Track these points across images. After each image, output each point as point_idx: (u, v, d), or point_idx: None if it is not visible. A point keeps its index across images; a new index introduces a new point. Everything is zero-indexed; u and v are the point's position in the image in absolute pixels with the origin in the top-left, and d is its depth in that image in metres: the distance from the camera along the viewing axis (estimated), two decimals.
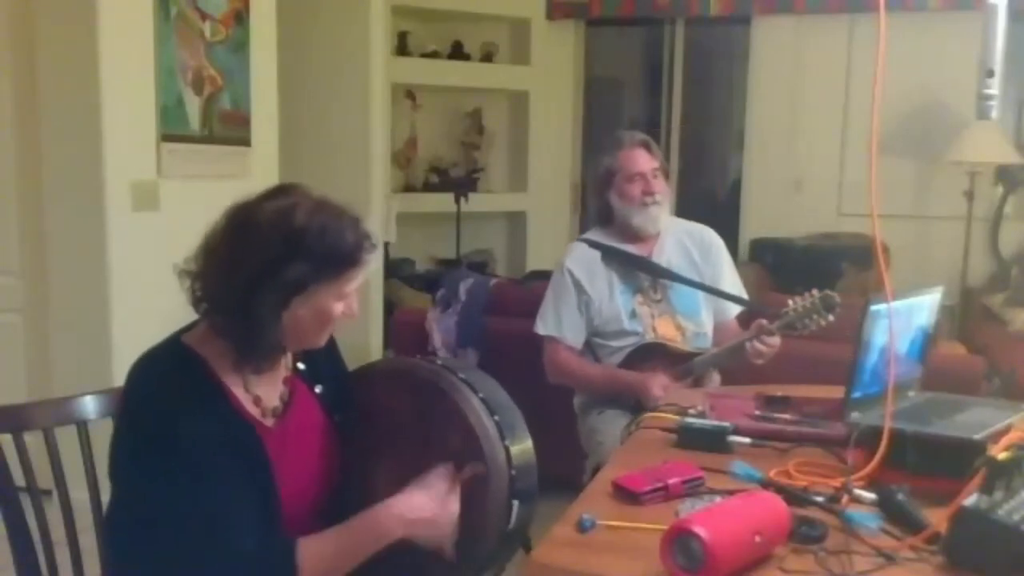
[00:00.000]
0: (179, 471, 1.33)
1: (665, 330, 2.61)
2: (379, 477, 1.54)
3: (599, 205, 2.70)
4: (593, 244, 2.68)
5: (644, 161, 2.62)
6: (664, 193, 2.64)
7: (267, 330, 1.40)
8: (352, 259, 1.42)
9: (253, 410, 1.46)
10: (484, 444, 1.46)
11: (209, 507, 1.34)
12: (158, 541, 1.35)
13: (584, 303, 2.63)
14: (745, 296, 2.71)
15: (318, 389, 1.59)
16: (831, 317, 2.31)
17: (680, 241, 2.69)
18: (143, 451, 1.36)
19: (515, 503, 1.46)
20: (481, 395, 1.50)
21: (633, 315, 2.61)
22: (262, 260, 1.37)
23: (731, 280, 2.70)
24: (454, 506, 1.44)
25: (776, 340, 2.40)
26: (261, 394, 1.48)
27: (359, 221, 1.44)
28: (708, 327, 2.66)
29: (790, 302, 2.38)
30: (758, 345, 2.39)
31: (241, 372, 1.45)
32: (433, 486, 1.44)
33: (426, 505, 1.42)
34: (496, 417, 1.49)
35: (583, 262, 2.66)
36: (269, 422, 1.48)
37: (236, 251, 1.38)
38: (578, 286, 2.63)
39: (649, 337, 2.58)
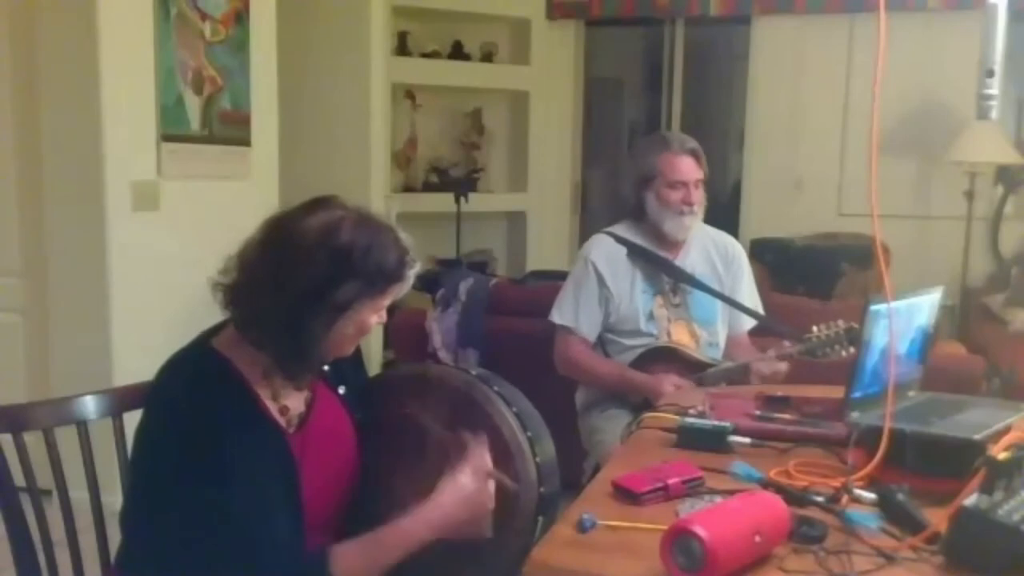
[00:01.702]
0: (214, 476, 1.33)
1: (680, 335, 2.61)
2: (401, 482, 1.54)
3: (634, 201, 2.67)
4: (620, 239, 2.67)
5: (690, 170, 2.59)
6: (701, 204, 2.63)
7: (315, 348, 1.41)
8: (396, 276, 1.44)
9: (280, 418, 1.47)
10: (518, 461, 1.46)
11: (244, 513, 1.34)
12: (187, 545, 1.35)
13: (604, 297, 2.62)
14: (761, 311, 2.72)
15: (342, 390, 1.60)
16: (852, 350, 2.29)
17: (705, 249, 2.69)
18: (177, 454, 1.36)
19: (540, 519, 1.47)
20: (515, 409, 1.50)
21: (650, 317, 2.60)
22: (311, 280, 1.37)
23: (749, 293, 2.72)
24: (489, 501, 1.43)
25: (782, 366, 2.42)
26: (288, 403, 1.49)
27: (398, 234, 1.45)
28: (722, 338, 2.67)
29: (814, 328, 2.39)
30: (764, 369, 2.43)
31: (270, 380, 1.46)
32: (466, 484, 1.42)
33: (456, 509, 1.41)
34: (529, 433, 1.49)
35: (608, 256, 2.64)
36: (293, 428, 1.48)
37: (282, 268, 1.38)
38: (600, 280, 2.62)
39: (663, 340, 2.58)
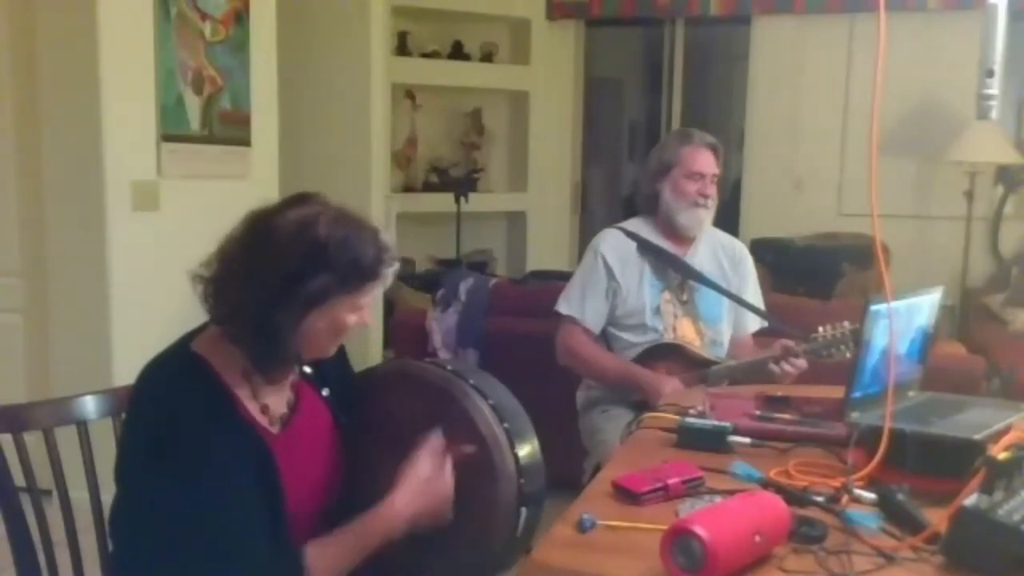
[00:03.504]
0: (189, 480, 1.33)
1: (685, 332, 2.62)
2: (384, 480, 1.54)
3: (648, 193, 2.69)
4: (630, 234, 2.68)
5: (708, 164, 2.62)
6: (714, 200, 2.64)
7: (284, 341, 1.41)
8: (372, 272, 1.43)
9: (260, 418, 1.46)
10: (494, 453, 1.47)
11: (219, 517, 1.33)
12: (165, 549, 1.35)
13: (612, 290, 2.62)
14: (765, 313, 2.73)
15: (325, 392, 1.59)
16: None
17: (714, 249, 2.71)
18: (153, 458, 1.35)
19: (523, 510, 1.47)
20: (491, 402, 1.51)
21: (657, 311, 2.61)
22: (283, 271, 1.36)
23: (754, 296, 2.73)
24: (448, 484, 1.47)
25: (802, 363, 2.42)
26: (269, 402, 1.48)
27: (379, 233, 1.45)
28: (726, 337, 2.68)
29: (820, 329, 2.40)
30: (787, 367, 2.42)
31: (250, 380, 1.45)
32: (423, 471, 1.47)
33: (422, 497, 1.45)
34: (506, 424, 1.49)
35: (618, 249, 2.65)
36: (276, 429, 1.48)
37: (256, 260, 1.38)
38: (609, 272, 2.62)
39: (668, 336, 2.59)
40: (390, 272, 1.45)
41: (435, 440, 1.49)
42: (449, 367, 1.59)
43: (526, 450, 1.49)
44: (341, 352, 1.59)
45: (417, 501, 1.45)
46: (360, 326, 1.47)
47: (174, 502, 1.33)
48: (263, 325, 1.38)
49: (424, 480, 1.46)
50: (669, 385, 2.44)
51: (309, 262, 1.37)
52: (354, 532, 1.43)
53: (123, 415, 1.48)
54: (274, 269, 1.37)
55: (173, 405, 1.37)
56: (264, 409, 1.47)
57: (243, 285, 1.38)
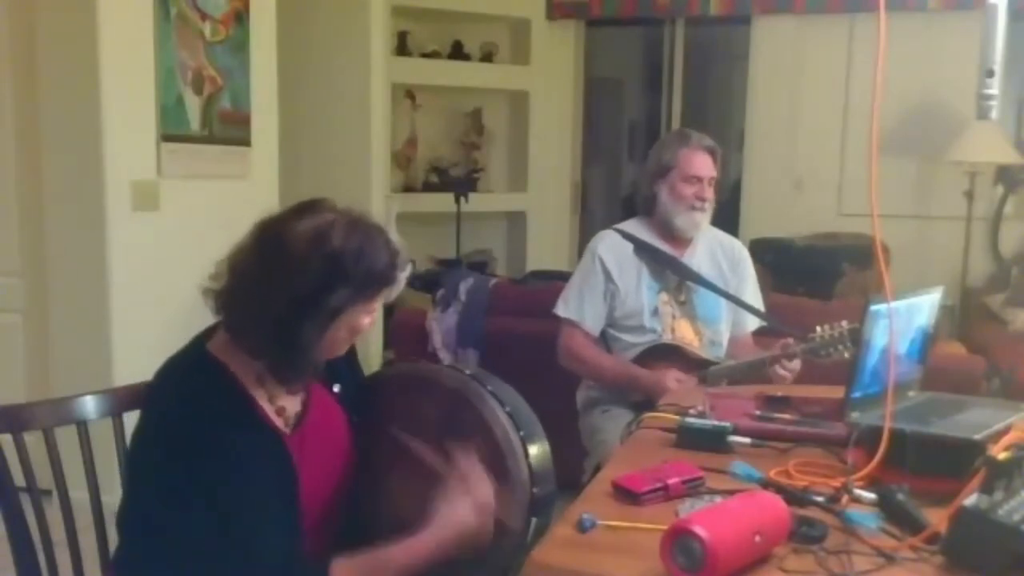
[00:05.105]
0: (208, 480, 1.33)
1: (684, 332, 2.62)
2: (395, 481, 1.54)
3: (646, 194, 2.69)
4: (626, 236, 2.68)
5: (706, 167, 2.62)
6: (712, 202, 2.65)
7: (309, 354, 1.41)
8: (387, 278, 1.44)
9: (276, 420, 1.46)
10: (510, 461, 1.46)
11: (238, 518, 1.33)
12: (181, 549, 1.35)
13: (610, 292, 2.63)
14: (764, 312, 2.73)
15: (336, 388, 1.60)
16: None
17: (712, 249, 2.71)
18: (171, 459, 1.35)
19: (533, 520, 1.47)
20: (508, 409, 1.50)
21: (655, 312, 2.61)
22: (302, 287, 1.36)
23: (753, 296, 2.73)
24: (487, 536, 1.44)
25: (796, 364, 2.42)
26: (284, 404, 1.48)
27: (388, 236, 1.45)
28: (725, 337, 2.68)
29: (818, 329, 2.40)
30: (780, 371, 2.42)
31: (265, 383, 1.45)
32: (465, 518, 1.43)
33: (457, 542, 1.42)
34: (521, 433, 1.48)
35: (615, 251, 2.66)
36: (290, 430, 1.48)
37: (273, 275, 1.37)
38: (607, 274, 2.63)
39: (667, 337, 2.59)
40: (403, 275, 1.46)
41: (485, 492, 1.45)
42: (468, 371, 1.59)
43: (540, 462, 1.49)
44: (351, 348, 1.60)
45: (455, 545, 1.41)
46: (371, 325, 1.49)
47: (191, 502, 1.33)
48: (286, 340, 1.38)
49: (468, 529, 1.42)
50: (671, 377, 2.44)
51: (327, 276, 1.37)
52: (380, 558, 1.40)
53: (138, 415, 1.47)
54: (293, 285, 1.36)
55: (191, 405, 1.37)
56: (280, 411, 1.47)
57: (261, 300, 1.38)
